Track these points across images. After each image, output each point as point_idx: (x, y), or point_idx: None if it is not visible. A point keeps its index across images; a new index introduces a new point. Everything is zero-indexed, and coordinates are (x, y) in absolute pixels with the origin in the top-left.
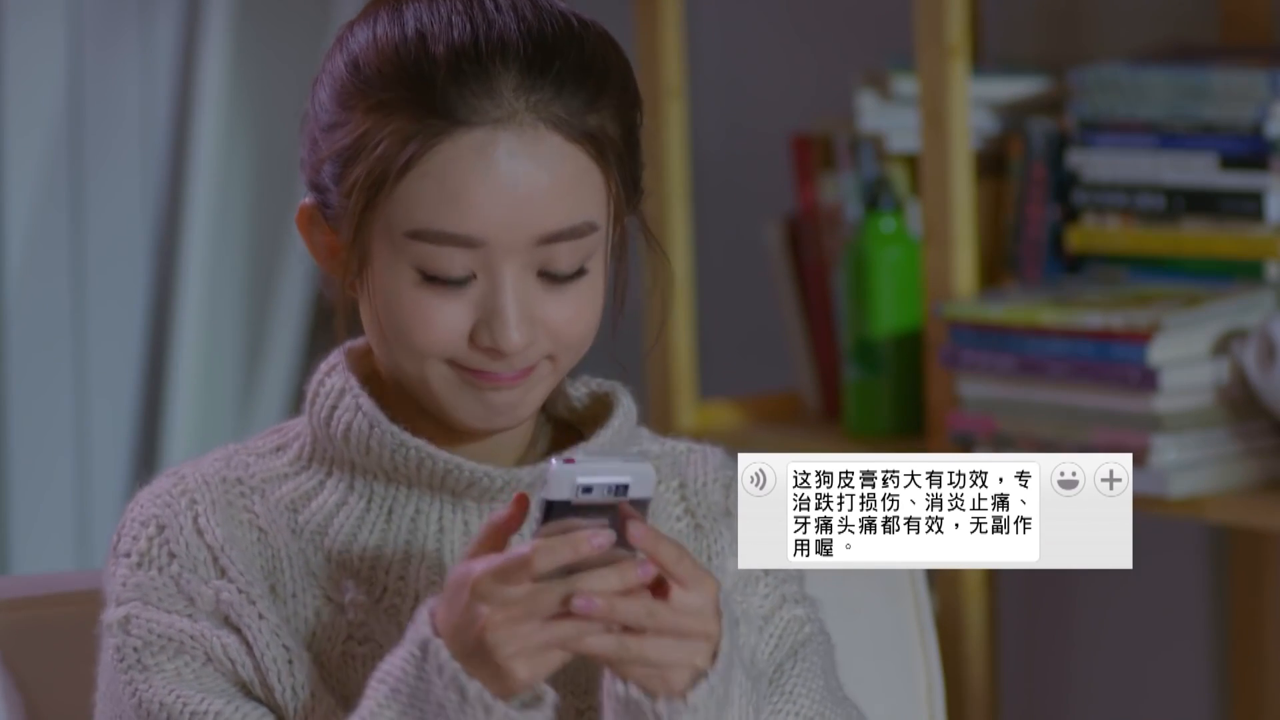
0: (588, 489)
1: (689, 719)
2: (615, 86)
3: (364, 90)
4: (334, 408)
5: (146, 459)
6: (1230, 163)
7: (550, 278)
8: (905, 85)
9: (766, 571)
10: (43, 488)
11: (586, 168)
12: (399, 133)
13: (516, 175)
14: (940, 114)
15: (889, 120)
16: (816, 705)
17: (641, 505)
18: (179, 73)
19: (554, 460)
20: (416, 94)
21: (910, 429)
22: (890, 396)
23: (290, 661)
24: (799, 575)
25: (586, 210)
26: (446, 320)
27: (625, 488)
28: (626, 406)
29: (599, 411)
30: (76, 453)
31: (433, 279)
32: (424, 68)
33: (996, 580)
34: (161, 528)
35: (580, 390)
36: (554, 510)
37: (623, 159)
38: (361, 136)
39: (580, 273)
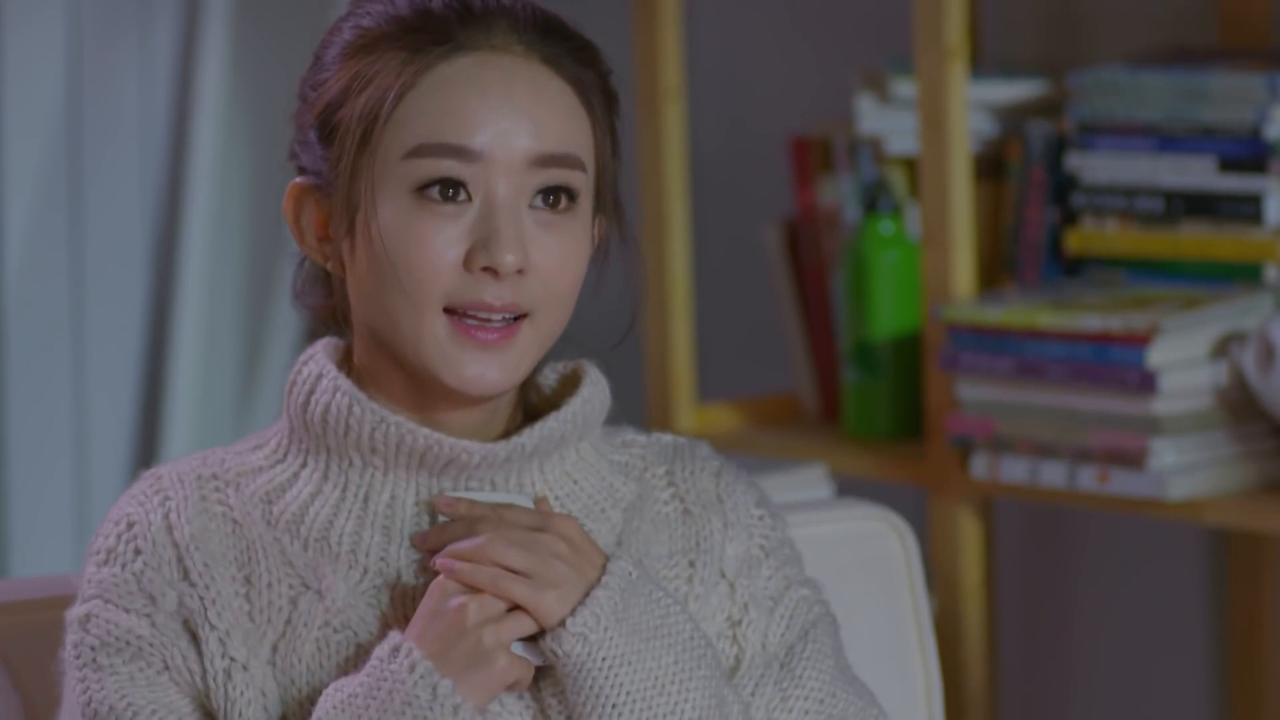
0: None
1: (579, 647)
2: (596, 66)
3: (360, 38)
4: (311, 392)
5: (145, 462)
6: (1229, 165)
7: (541, 208)
8: (904, 88)
9: (767, 554)
10: (41, 490)
11: (575, 107)
12: (395, 61)
13: (512, 91)
14: (939, 116)
15: (888, 123)
16: (827, 685)
17: None
18: (178, 76)
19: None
20: (414, 27)
21: (909, 432)
22: (889, 399)
23: (229, 673)
24: (798, 558)
25: (576, 144)
26: (442, 242)
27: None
28: (594, 378)
29: (569, 392)
30: (75, 455)
31: (430, 200)
32: (421, 11)
33: (995, 583)
34: (131, 524)
35: (549, 376)
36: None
37: (607, 126)
38: (358, 73)
39: (568, 210)
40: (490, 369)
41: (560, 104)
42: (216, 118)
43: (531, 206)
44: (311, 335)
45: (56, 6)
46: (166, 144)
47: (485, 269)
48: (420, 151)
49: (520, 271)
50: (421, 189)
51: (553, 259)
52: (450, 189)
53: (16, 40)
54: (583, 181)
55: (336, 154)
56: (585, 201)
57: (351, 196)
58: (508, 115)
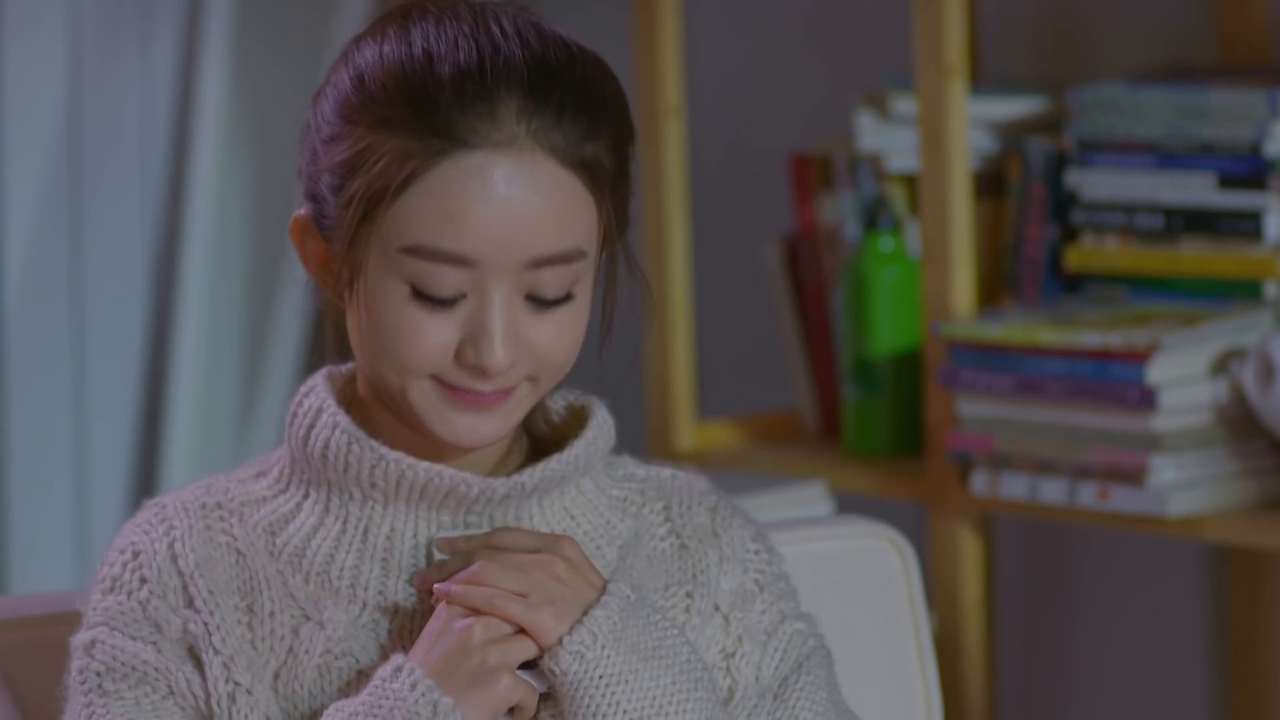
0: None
1: (575, 665)
2: (612, 117)
3: (368, 105)
4: (311, 426)
5: (145, 479)
6: (1228, 182)
7: (537, 301)
8: (904, 105)
9: (762, 588)
10: (42, 508)
11: (579, 195)
12: (400, 150)
13: (512, 198)
14: (939, 134)
15: (888, 140)
16: (820, 717)
17: None
18: (178, 89)
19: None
20: (420, 112)
21: (909, 449)
22: (889, 416)
23: (233, 696)
24: (794, 592)
25: (577, 237)
26: (433, 337)
27: None
28: (601, 419)
29: (575, 426)
30: (75, 473)
31: (423, 296)
32: (429, 87)
33: (995, 600)
34: (137, 553)
35: (558, 404)
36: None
37: (615, 188)
38: (363, 151)
39: (566, 298)
40: (484, 423)
41: (562, 199)
42: (217, 131)
43: (527, 298)
44: (314, 351)
45: (57, 21)
46: (167, 158)
47: (475, 366)
48: (417, 252)
49: (513, 364)
50: (416, 288)
51: (547, 339)
52: (444, 292)
53: (16, 55)
54: (582, 266)
55: (339, 217)
56: (585, 280)
57: (351, 261)
58: (507, 222)
